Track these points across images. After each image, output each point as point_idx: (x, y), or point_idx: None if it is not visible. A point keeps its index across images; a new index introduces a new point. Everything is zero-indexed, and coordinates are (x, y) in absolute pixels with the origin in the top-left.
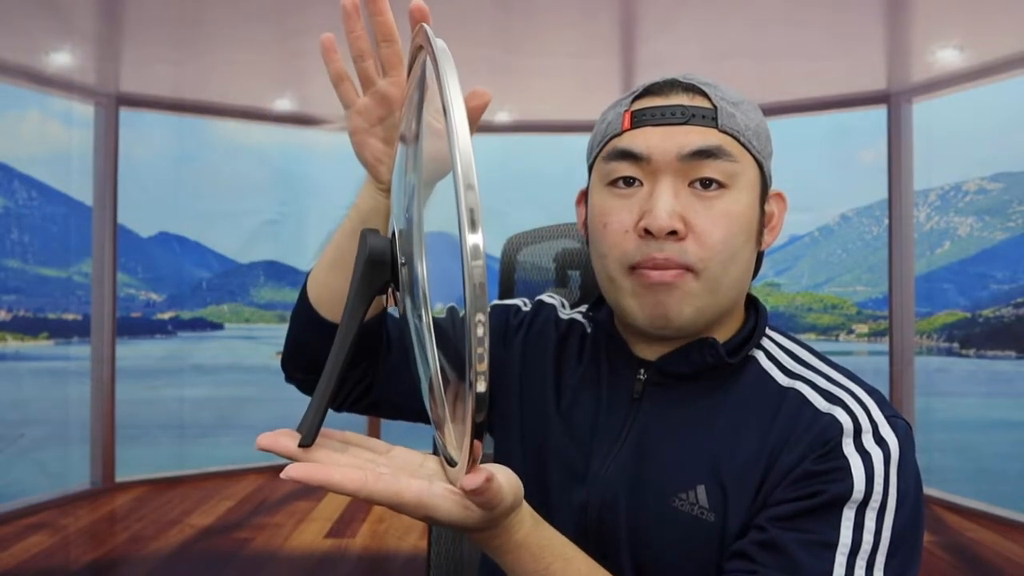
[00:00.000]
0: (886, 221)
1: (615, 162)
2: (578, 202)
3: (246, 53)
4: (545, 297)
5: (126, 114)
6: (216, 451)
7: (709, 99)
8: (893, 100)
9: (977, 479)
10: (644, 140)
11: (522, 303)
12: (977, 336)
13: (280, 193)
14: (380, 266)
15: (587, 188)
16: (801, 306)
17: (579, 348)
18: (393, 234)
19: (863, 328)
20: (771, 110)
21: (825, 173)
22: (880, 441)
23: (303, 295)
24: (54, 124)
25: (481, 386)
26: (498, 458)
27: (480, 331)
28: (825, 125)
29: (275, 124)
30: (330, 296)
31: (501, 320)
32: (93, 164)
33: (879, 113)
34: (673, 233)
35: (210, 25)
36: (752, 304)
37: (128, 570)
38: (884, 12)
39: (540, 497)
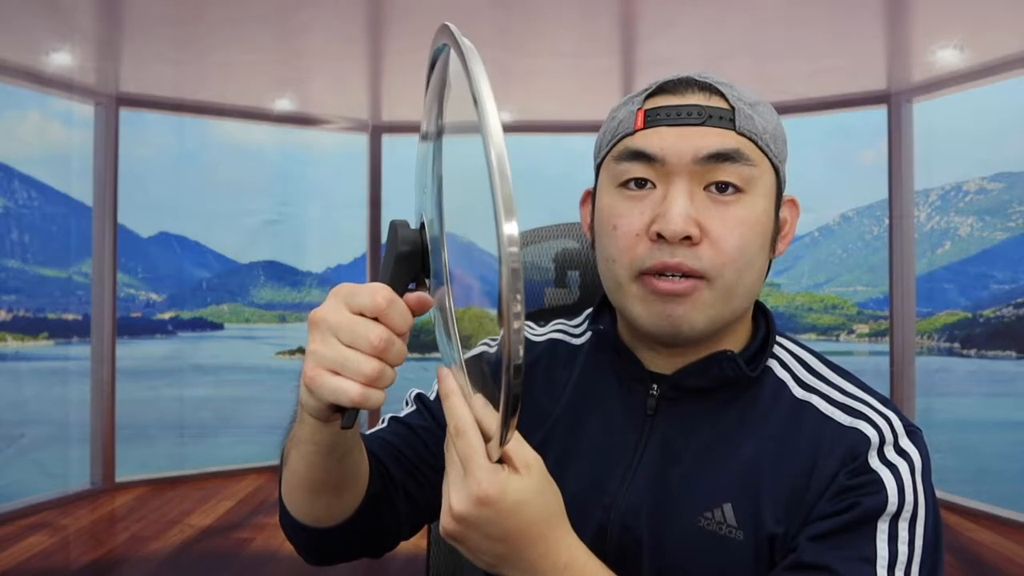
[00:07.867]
0: (886, 221)
1: (627, 163)
2: (583, 202)
3: (246, 53)
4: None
5: (126, 114)
6: (216, 451)
7: (726, 99)
8: (893, 100)
9: (977, 479)
10: (658, 140)
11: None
12: (978, 336)
13: (280, 193)
14: (412, 257)
15: (594, 188)
16: (801, 306)
17: (568, 367)
18: (422, 225)
19: (864, 328)
20: None
21: (825, 173)
22: (902, 452)
23: (292, 521)
24: (54, 124)
25: (518, 358)
26: None
27: (517, 307)
28: (825, 125)
29: (275, 124)
30: (329, 515)
31: None
32: (93, 164)
33: (879, 113)
34: (687, 239)
35: (210, 25)
36: (759, 310)
37: (128, 570)
38: (884, 12)
39: None
